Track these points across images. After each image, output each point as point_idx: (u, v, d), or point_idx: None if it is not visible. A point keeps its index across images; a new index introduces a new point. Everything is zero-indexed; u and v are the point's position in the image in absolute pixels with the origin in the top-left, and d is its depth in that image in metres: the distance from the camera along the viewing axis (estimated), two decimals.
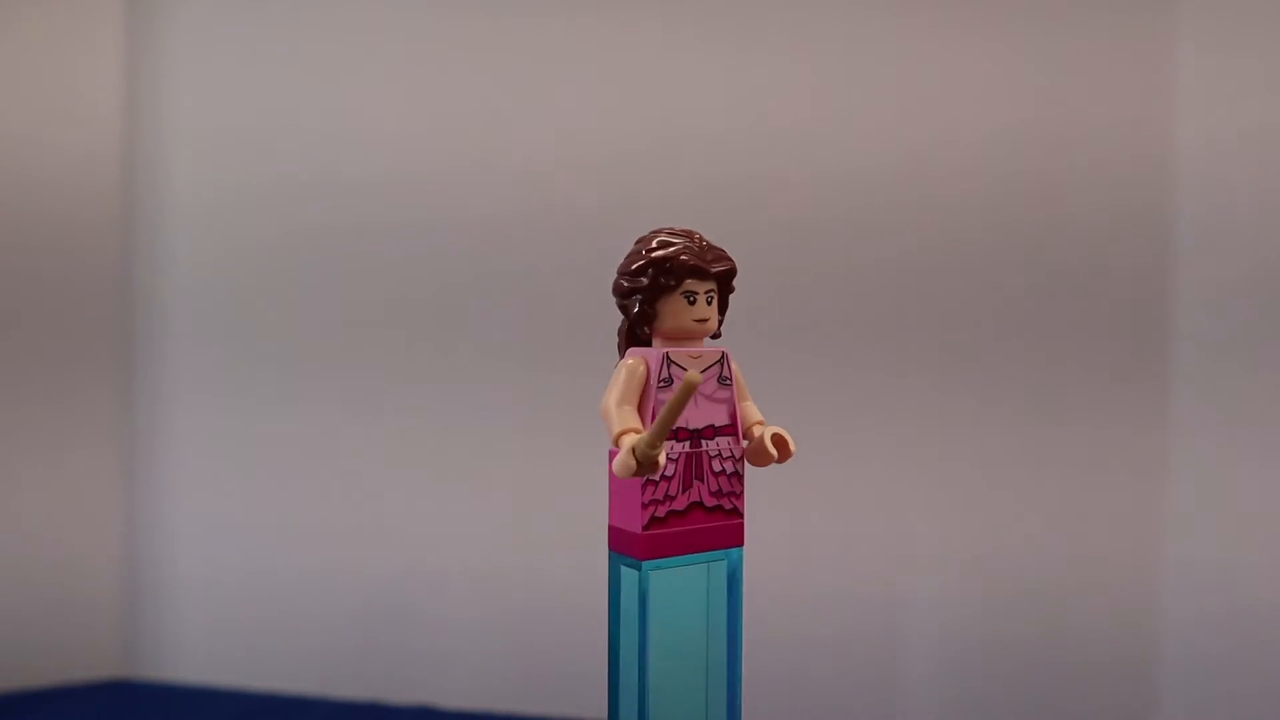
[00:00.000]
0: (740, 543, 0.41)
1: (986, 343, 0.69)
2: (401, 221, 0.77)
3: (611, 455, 0.38)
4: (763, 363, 0.69)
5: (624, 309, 0.40)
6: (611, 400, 0.38)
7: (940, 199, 0.69)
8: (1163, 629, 0.67)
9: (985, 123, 0.69)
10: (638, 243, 0.40)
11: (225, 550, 0.80)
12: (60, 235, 0.79)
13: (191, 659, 0.80)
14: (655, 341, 0.40)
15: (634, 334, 0.41)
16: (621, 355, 0.41)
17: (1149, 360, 0.67)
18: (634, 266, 0.39)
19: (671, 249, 0.39)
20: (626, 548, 0.38)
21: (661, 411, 0.36)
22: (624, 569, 0.38)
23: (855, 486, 0.70)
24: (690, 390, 0.34)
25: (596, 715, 0.72)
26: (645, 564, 0.38)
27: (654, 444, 0.36)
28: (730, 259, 0.40)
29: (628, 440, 0.37)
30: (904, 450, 0.70)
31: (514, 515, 0.75)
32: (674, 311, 0.39)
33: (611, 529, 0.39)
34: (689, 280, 0.39)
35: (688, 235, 0.40)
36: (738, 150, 0.72)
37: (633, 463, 0.36)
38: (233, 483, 0.80)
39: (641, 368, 0.39)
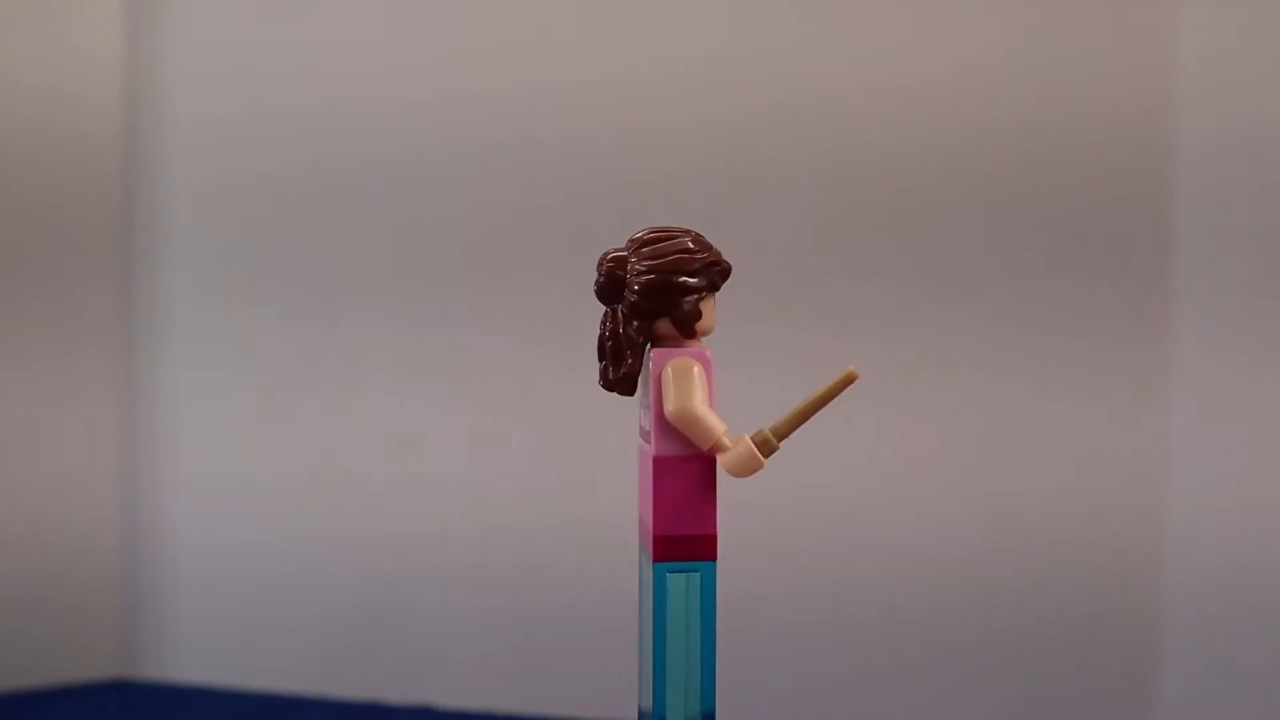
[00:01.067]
0: None
1: (986, 271, 0.70)
2: (407, 157, 0.77)
3: (667, 460, 0.38)
4: (762, 284, 0.69)
5: (670, 305, 0.39)
6: (697, 402, 0.38)
7: (941, 124, 0.70)
8: (1167, 572, 0.68)
9: (981, 51, 0.69)
10: (670, 241, 0.40)
11: (226, 550, 0.80)
12: (59, 176, 0.79)
13: (192, 659, 0.80)
14: (676, 342, 0.40)
15: (649, 335, 0.40)
16: (630, 360, 0.40)
17: (1150, 288, 0.68)
18: (695, 266, 0.39)
19: (714, 249, 0.40)
20: (687, 552, 0.39)
21: (805, 405, 0.37)
22: (675, 575, 0.39)
23: (853, 414, 0.71)
24: (847, 384, 0.36)
25: (597, 715, 0.72)
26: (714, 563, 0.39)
27: (784, 435, 0.38)
28: None
29: (738, 439, 0.38)
30: (900, 384, 0.70)
31: (515, 515, 0.75)
32: (709, 311, 0.40)
33: (661, 539, 0.39)
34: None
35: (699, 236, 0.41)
36: (737, 87, 0.72)
37: (762, 458, 0.38)
38: (233, 483, 0.80)
39: (697, 367, 0.39)
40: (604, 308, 0.41)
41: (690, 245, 0.40)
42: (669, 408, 0.38)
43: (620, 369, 0.40)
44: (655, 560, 0.39)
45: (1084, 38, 0.68)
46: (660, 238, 0.40)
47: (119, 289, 0.81)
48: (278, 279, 0.79)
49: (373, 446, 0.78)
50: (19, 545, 0.78)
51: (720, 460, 0.38)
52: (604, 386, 0.41)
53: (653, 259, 0.39)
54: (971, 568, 0.70)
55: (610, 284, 0.40)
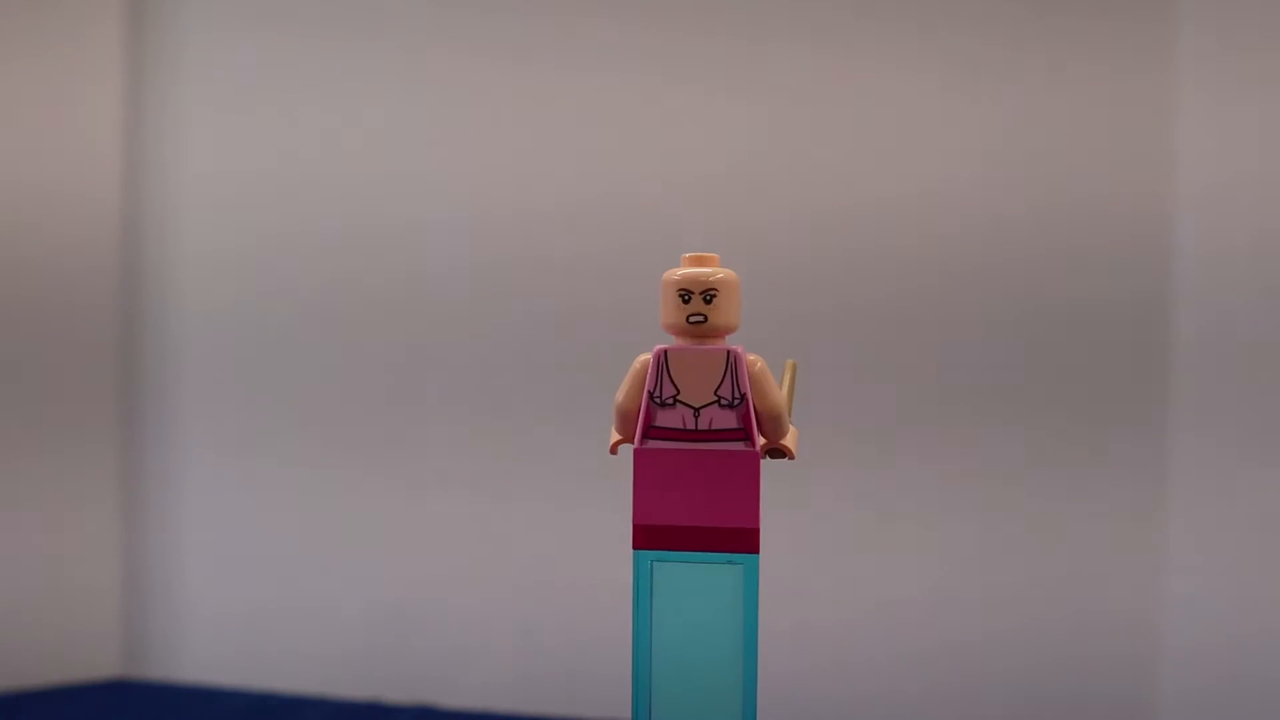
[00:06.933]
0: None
1: (983, 385, 0.71)
2: (407, 269, 0.78)
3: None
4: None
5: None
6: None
7: (935, 236, 0.71)
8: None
9: (979, 161, 0.71)
10: None
11: (228, 549, 0.80)
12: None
13: (194, 658, 0.80)
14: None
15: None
16: None
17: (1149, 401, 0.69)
18: None
19: None
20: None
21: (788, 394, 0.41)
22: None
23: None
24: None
25: (597, 714, 0.73)
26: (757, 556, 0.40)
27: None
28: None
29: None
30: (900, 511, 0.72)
31: (515, 514, 0.76)
32: None
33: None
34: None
35: None
36: (736, 193, 0.74)
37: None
38: (236, 481, 0.80)
39: None
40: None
41: None
42: (778, 401, 0.41)
43: None
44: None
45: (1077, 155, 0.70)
46: None
47: (124, 334, 0.81)
48: (285, 321, 0.80)
49: (376, 452, 0.78)
50: (20, 544, 0.78)
51: (791, 444, 0.41)
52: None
53: None
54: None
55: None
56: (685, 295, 0.41)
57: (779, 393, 0.42)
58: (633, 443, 0.42)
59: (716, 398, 0.41)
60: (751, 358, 0.41)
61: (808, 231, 0.72)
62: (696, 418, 0.41)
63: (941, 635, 0.71)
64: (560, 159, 0.76)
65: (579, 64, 0.75)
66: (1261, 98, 0.67)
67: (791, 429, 0.43)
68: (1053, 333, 0.70)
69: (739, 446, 0.41)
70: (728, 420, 0.41)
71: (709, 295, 0.41)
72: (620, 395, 0.42)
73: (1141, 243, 0.69)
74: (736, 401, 0.41)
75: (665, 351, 0.41)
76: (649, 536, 0.41)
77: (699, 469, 0.41)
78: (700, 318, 0.41)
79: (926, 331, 0.72)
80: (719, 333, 0.41)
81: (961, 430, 0.71)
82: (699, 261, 0.41)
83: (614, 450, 0.43)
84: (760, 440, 0.41)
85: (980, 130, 0.71)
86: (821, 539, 0.72)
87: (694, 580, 0.41)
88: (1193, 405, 0.68)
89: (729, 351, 0.41)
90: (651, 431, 0.42)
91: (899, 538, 0.72)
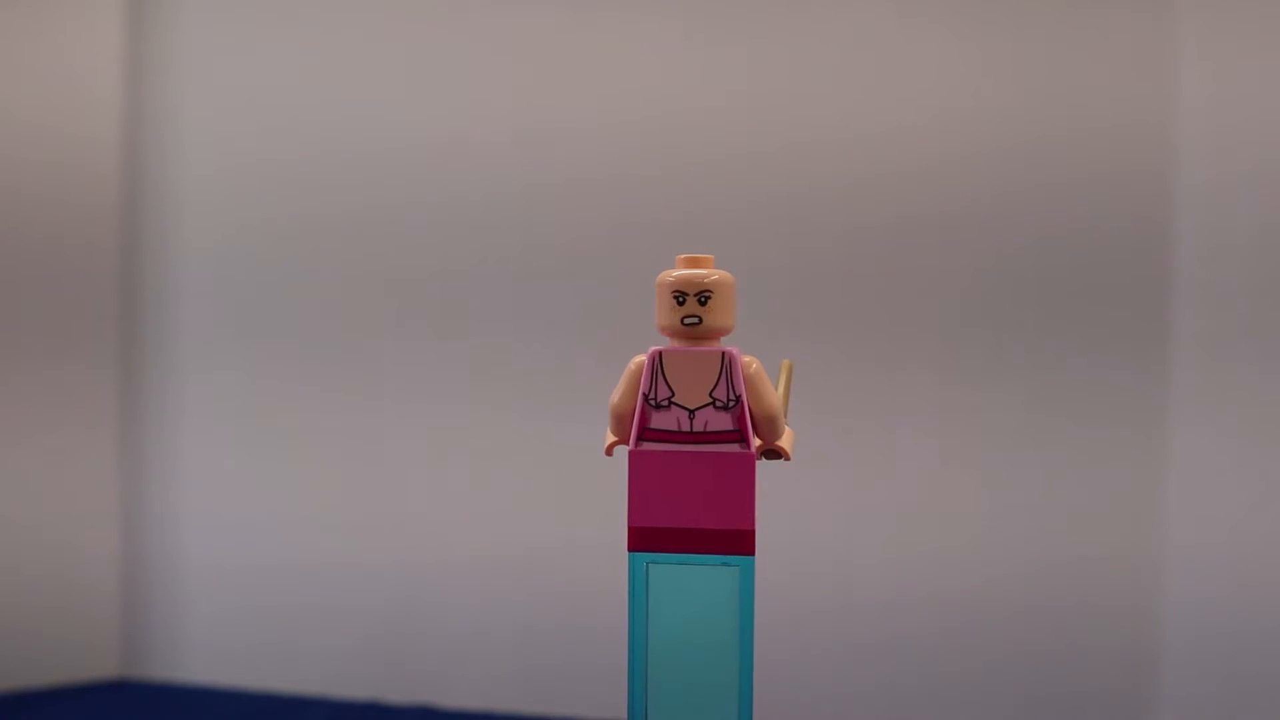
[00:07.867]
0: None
1: (984, 332, 0.70)
2: (408, 204, 0.77)
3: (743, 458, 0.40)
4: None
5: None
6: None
7: (934, 177, 0.71)
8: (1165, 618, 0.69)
9: (979, 98, 0.71)
10: None
11: (229, 549, 0.80)
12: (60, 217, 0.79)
13: (194, 659, 0.80)
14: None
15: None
16: None
17: (1149, 348, 0.69)
18: None
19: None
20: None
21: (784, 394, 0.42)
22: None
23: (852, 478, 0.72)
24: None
25: (599, 714, 0.73)
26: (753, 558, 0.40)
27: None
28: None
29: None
30: (900, 444, 0.72)
31: (517, 513, 0.76)
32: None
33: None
34: None
35: None
36: (737, 126, 0.73)
37: None
38: (238, 481, 0.80)
39: None
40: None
41: None
42: (773, 403, 0.41)
43: None
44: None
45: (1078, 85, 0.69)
46: None
47: (124, 324, 0.81)
48: (284, 311, 0.80)
49: (377, 453, 0.78)
50: (20, 543, 0.78)
51: (787, 446, 0.42)
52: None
53: None
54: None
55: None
56: (680, 297, 0.40)
57: (774, 395, 0.41)
58: (628, 444, 0.42)
59: (711, 399, 0.41)
60: (747, 359, 0.41)
61: (802, 198, 0.72)
62: (691, 420, 0.41)
63: (941, 627, 0.71)
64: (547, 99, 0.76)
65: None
66: (1263, 33, 0.67)
67: (787, 430, 0.43)
68: (1047, 313, 0.70)
69: (734, 448, 0.41)
70: (723, 422, 0.41)
71: (704, 297, 0.40)
72: (615, 397, 0.42)
73: (1141, 175, 0.68)
74: (731, 403, 0.41)
75: (660, 353, 0.41)
76: (644, 539, 0.41)
77: (694, 471, 0.41)
78: (695, 320, 0.40)
79: (925, 309, 0.72)
80: (714, 334, 0.41)
81: (960, 402, 0.71)
82: (694, 263, 0.41)
83: (609, 452, 0.43)
84: (756, 442, 0.41)
85: (983, 69, 0.71)
86: (819, 519, 0.72)
87: (690, 582, 0.41)
88: (1193, 349, 0.68)
89: (724, 353, 0.41)
90: (646, 433, 0.41)
91: (897, 529, 0.72)
